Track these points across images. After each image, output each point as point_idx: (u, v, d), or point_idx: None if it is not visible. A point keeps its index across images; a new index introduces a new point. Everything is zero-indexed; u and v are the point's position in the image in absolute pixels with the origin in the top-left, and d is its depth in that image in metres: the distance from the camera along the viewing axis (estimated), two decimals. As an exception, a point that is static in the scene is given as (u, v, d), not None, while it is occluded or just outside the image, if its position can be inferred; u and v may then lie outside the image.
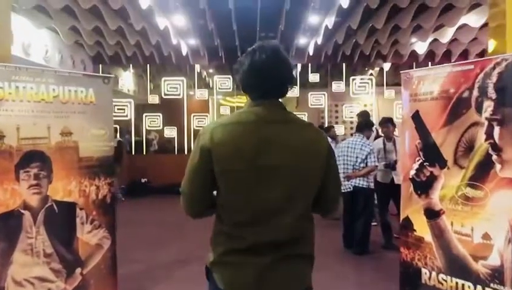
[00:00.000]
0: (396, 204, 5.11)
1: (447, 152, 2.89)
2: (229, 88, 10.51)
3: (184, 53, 9.30)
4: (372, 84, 10.39)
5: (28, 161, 2.75)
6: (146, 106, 11.44)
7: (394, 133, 5.41)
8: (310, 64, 11.01)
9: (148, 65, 10.68)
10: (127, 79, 12.44)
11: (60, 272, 2.91)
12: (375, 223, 5.48)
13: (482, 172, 2.66)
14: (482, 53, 9.13)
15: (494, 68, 2.59)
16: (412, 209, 3.13)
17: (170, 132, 10.41)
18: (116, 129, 9.46)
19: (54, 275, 2.89)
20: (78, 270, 3.02)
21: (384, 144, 5.27)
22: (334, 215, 1.67)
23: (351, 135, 10.99)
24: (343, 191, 5.02)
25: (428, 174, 3.02)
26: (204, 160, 1.39)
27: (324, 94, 10.42)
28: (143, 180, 9.94)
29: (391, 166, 5.07)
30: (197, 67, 11.26)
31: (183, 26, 7.61)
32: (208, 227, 1.59)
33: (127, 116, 9.67)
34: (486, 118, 2.63)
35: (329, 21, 6.98)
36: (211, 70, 13.03)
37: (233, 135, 1.38)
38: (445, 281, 2.89)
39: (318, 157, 1.44)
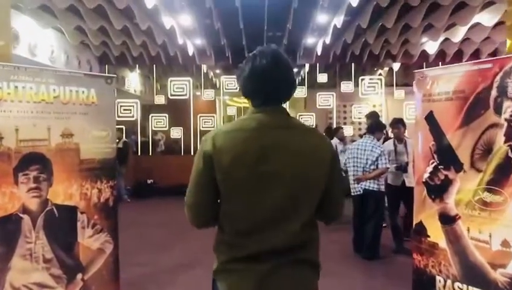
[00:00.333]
0: (407, 207, 4.98)
1: (463, 155, 2.76)
2: (236, 88, 10.37)
3: (190, 53, 9.22)
4: (381, 85, 10.22)
5: (27, 164, 2.66)
6: (152, 106, 11.39)
7: (405, 134, 5.26)
8: (318, 64, 10.88)
9: (154, 65, 10.62)
10: (133, 79, 12.41)
11: (60, 278, 2.82)
12: (384, 225, 5.33)
13: (501, 176, 2.53)
14: (495, 52, 8.94)
15: (514, 66, 2.45)
16: (426, 214, 3.00)
17: (176, 133, 10.33)
18: (122, 130, 9.41)
19: (54, 281, 2.80)
20: (79, 275, 2.93)
21: (395, 145, 5.13)
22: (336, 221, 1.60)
23: (359, 136, 10.94)
24: (353, 194, 4.89)
25: (443, 177, 2.89)
26: (207, 167, 1.37)
27: (332, 94, 10.27)
28: (149, 181, 9.87)
29: (403, 168, 4.93)
30: (204, 68, 11.18)
31: (189, 26, 7.53)
32: (214, 230, 1.54)
33: (133, 116, 9.61)
34: (506, 119, 2.49)
35: (338, 20, 6.85)
36: (217, 71, 12.94)
37: (235, 142, 1.36)
38: (461, 289, 2.76)
39: (321, 163, 1.42)
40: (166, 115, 10.12)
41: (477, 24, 7.04)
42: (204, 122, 10.04)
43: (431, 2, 6.15)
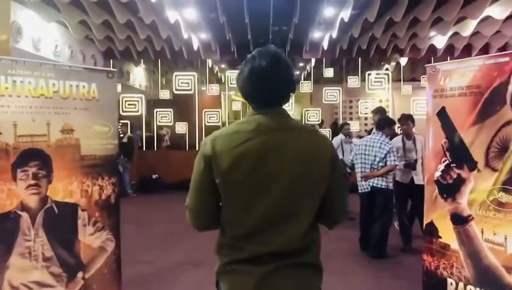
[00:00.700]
0: (415, 205, 4.88)
1: (477, 153, 2.65)
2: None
3: (195, 48, 9.11)
4: (388, 80, 10.07)
5: (25, 160, 2.60)
6: (157, 101, 11.31)
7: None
8: (324, 59, 10.74)
9: (159, 60, 10.53)
10: (138, 74, 12.34)
11: (60, 277, 2.76)
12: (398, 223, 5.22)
13: (518, 175, 2.42)
14: (505, 47, 8.77)
15: (533, 60, 2.34)
16: (437, 214, 2.90)
17: (181, 128, 10.25)
18: (127, 125, 9.36)
19: (54, 279, 2.74)
20: (80, 274, 2.87)
21: (403, 142, 5.01)
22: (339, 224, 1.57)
23: (366, 131, 10.81)
24: (360, 191, 4.78)
25: (455, 176, 2.78)
26: (206, 171, 1.37)
27: (339, 90, 10.13)
28: (154, 176, 9.81)
29: (412, 166, 4.81)
30: (209, 62, 11.07)
31: (194, 20, 7.41)
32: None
33: (138, 111, 9.55)
34: (523, 116, 2.38)
35: (345, 14, 6.71)
36: (222, 66, 12.83)
37: (233, 144, 1.35)
38: (474, 293, 2.66)
39: (321, 165, 1.39)
40: (171, 110, 10.03)
41: (488, 17, 6.87)
42: (210, 117, 9.95)
43: (441, -6, 6.00)
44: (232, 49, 9.78)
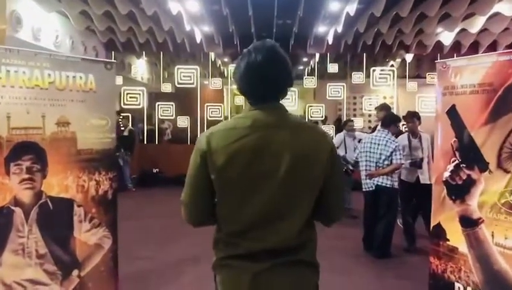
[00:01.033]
0: (421, 205, 4.78)
1: (488, 154, 2.54)
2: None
3: (198, 40, 9.00)
4: (393, 76, 9.94)
5: (19, 153, 2.50)
6: (159, 94, 11.21)
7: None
8: (328, 54, 10.60)
9: (161, 53, 10.42)
10: (140, 67, 12.23)
11: (54, 275, 2.68)
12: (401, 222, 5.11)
13: (532, 178, 2.31)
14: (513, 44, 8.63)
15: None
16: (445, 216, 2.80)
17: (183, 122, 10.15)
18: (128, 118, 9.27)
19: (48, 277, 2.65)
20: (75, 272, 2.79)
21: (409, 140, 4.89)
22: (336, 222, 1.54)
23: (369, 128, 10.69)
24: (364, 190, 4.68)
25: (465, 177, 2.68)
26: (201, 167, 1.37)
27: (343, 85, 10.00)
28: (154, 171, 9.72)
29: (418, 164, 4.70)
30: (212, 56, 10.95)
31: (196, 12, 7.30)
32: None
33: (139, 104, 9.46)
34: (540, 116, 2.27)
35: (351, 8, 6.58)
36: (225, 59, 12.71)
37: (229, 141, 1.34)
38: (482, 298, 2.56)
39: (319, 162, 1.36)
40: (173, 104, 9.93)
41: (497, 14, 6.74)
42: (212, 111, 9.84)
43: (450, -11, 5.87)
44: (235, 42, 9.66)
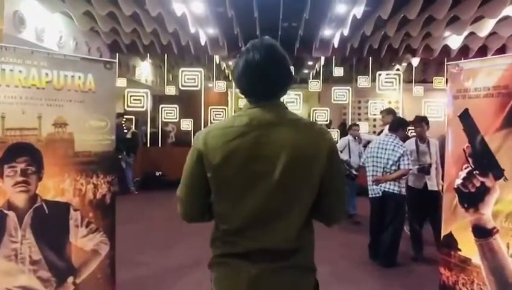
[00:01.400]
0: (429, 212, 4.65)
1: (504, 160, 2.43)
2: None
3: (203, 43, 8.92)
4: (399, 80, 9.81)
5: (13, 155, 2.42)
6: (163, 97, 11.16)
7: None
8: (334, 58, 10.49)
9: (165, 55, 10.36)
10: (144, 69, 12.17)
11: (48, 281, 2.59)
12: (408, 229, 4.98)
13: (551, 186, 2.19)
14: (522, 49, 8.48)
15: None
16: (457, 225, 2.68)
17: (187, 125, 10.08)
18: (131, 120, 9.21)
19: (42, 284, 2.56)
20: (70, 279, 2.70)
21: (417, 145, 4.77)
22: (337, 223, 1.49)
23: (374, 133, 10.55)
24: (370, 196, 4.56)
25: (478, 184, 2.56)
26: (198, 165, 1.36)
27: (348, 89, 9.89)
28: (157, 173, 9.64)
29: (426, 170, 4.57)
30: (216, 58, 10.88)
31: (201, 14, 7.21)
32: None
33: (143, 107, 9.40)
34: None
35: (358, 10, 6.47)
36: (230, 62, 12.63)
37: (225, 139, 1.32)
38: (496, 312, 2.44)
39: (318, 161, 1.33)
40: (177, 106, 9.88)
41: (507, 17, 6.60)
42: (216, 114, 9.77)
43: (459, -8, 5.75)
44: (240, 45, 9.56)
